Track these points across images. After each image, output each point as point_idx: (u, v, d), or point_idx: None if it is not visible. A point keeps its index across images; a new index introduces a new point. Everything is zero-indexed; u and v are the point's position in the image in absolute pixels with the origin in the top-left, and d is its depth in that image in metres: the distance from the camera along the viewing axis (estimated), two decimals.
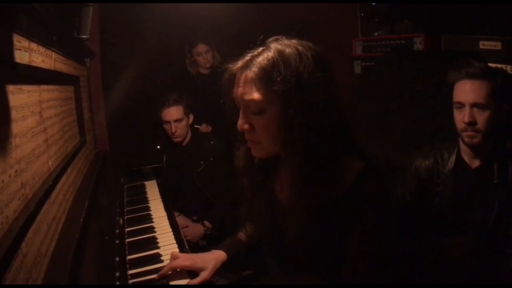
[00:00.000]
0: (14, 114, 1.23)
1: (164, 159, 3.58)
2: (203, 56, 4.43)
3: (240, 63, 1.43)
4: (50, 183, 1.49)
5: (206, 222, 3.33)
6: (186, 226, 3.20)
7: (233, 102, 1.49)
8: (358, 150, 1.51)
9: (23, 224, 1.12)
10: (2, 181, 1.07)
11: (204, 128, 4.26)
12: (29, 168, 1.33)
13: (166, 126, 3.45)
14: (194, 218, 3.41)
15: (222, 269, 1.82)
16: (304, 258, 1.48)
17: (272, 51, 1.37)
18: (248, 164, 1.62)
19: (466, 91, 2.07)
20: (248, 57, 1.42)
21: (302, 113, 1.32)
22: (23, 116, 1.34)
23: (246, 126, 1.43)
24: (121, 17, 4.24)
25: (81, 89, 2.68)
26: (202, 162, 3.50)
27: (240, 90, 1.40)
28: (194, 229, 3.26)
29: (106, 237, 1.82)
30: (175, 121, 3.39)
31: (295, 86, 1.31)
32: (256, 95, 1.36)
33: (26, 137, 1.35)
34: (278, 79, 1.32)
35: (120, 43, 4.37)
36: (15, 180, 1.17)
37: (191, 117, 3.56)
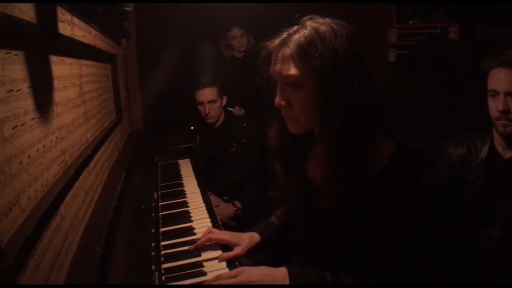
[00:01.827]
0: (56, 83, 1.29)
1: (197, 139, 3.63)
2: (238, 39, 4.46)
3: (277, 41, 1.46)
4: (89, 152, 1.55)
5: (236, 202, 3.38)
6: (217, 205, 3.24)
7: (269, 80, 1.51)
8: (391, 132, 1.52)
9: (63, 188, 1.17)
10: (44, 145, 1.12)
11: (237, 110, 4.29)
12: (69, 136, 1.39)
13: (200, 107, 3.48)
14: (225, 198, 3.46)
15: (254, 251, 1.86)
16: (333, 236, 1.51)
17: (308, 29, 1.39)
18: (281, 142, 1.64)
19: (500, 79, 2.05)
20: (284, 35, 1.44)
21: (339, 88, 1.35)
22: (65, 86, 1.40)
23: (283, 102, 1.44)
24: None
25: (117, 68, 2.74)
26: (234, 144, 3.53)
27: (278, 67, 1.43)
28: (225, 209, 3.31)
29: (142, 206, 1.87)
30: (209, 102, 3.42)
31: (332, 62, 1.34)
32: (294, 71, 1.38)
33: (67, 107, 1.41)
34: (316, 55, 1.34)
35: (154, 26, 4.41)
36: (55, 146, 1.23)
37: (225, 99, 3.59)
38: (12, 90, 0.92)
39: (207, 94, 3.43)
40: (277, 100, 1.45)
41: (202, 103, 3.44)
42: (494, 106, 2.06)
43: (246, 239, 1.81)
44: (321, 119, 1.41)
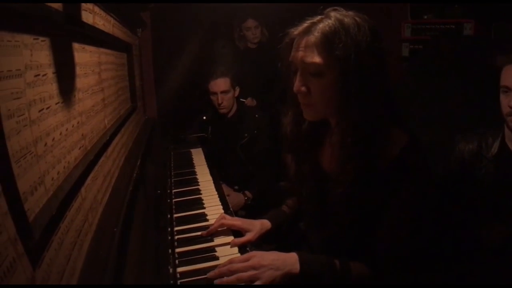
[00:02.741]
0: (78, 70, 1.33)
1: (210, 129, 3.67)
2: (252, 31, 4.49)
3: (300, 28, 1.50)
4: (107, 138, 1.59)
5: (247, 192, 3.41)
6: (228, 195, 3.28)
7: (288, 67, 1.55)
8: (404, 125, 1.56)
9: (83, 171, 1.21)
10: (66, 129, 1.16)
11: (249, 101, 4.32)
12: (89, 122, 1.43)
13: (213, 97, 3.51)
14: (236, 187, 3.50)
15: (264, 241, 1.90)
16: (344, 225, 1.55)
17: (333, 19, 1.43)
18: (296, 130, 1.68)
19: None
20: (308, 23, 1.48)
21: (359, 79, 1.39)
22: (85, 73, 1.44)
23: (303, 89, 1.48)
24: None
25: (133, 57, 2.78)
26: (246, 134, 3.56)
27: (300, 53, 1.46)
28: (236, 198, 3.34)
29: (158, 191, 1.92)
30: (222, 92, 3.46)
31: (354, 53, 1.38)
32: (317, 59, 1.42)
33: (87, 93, 1.45)
34: (339, 45, 1.38)
35: (170, 17, 4.45)
36: (77, 130, 1.27)
37: (237, 89, 3.62)
38: (39, 75, 0.96)
39: (220, 84, 3.46)
40: (297, 86, 1.49)
41: (215, 93, 3.47)
42: (506, 102, 2.08)
43: (258, 225, 1.85)
44: (339, 108, 1.45)
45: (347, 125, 1.44)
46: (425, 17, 4.65)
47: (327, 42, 1.40)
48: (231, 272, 1.49)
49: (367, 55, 1.40)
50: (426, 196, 1.54)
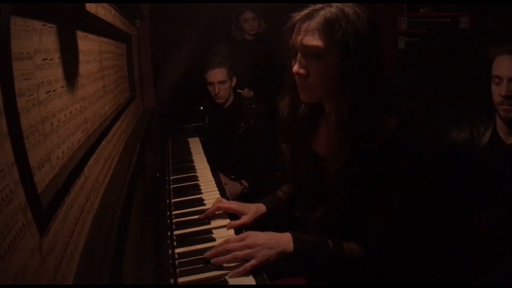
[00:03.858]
0: (81, 57, 1.39)
1: (207, 120, 3.73)
2: (250, 23, 4.54)
3: (302, 13, 1.58)
4: (108, 123, 1.66)
5: (243, 181, 3.48)
6: (225, 184, 3.34)
7: (288, 50, 1.63)
8: (395, 110, 1.64)
9: (86, 152, 1.28)
10: (70, 112, 1.23)
11: (246, 92, 4.37)
12: (90, 107, 1.50)
13: (210, 88, 3.56)
14: (232, 176, 3.56)
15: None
16: (337, 207, 1.62)
17: (334, 7, 1.52)
18: (292, 113, 1.76)
19: (505, 65, 2.13)
20: (309, 10, 1.57)
21: (357, 64, 1.48)
22: (88, 60, 1.51)
23: (302, 71, 1.55)
24: None
25: (132, 48, 2.83)
26: (243, 125, 3.62)
27: (301, 37, 1.54)
28: (232, 187, 3.40)
29: (157, 174, 1.98)
30: (219, 82, 3.51)
31: (353, 39, 1.47)
32: (318, 42, 1.50)
33: (89, 79, 1.52)
34: (340, 31, 1.47)
35: (168, 8, 4.48)
36: (79, 114, 1.33)
37: (234, 80, 3.66)
38: (46, 59, 1.02)
39: (217, 74, 3.51)
40: (296, 68, 1.56)
41: (212, 84, 3.52)
42: (497, 91, 2.14)
43: (253, 208, 1.92)
44: (336, 91, 1.53)
45: (343, 108, 1.52)
46: (422, 10, 4.70)
47: (328, 27, 1.49)
48: (227, 251, 1.56)
49: (365, 41, 1.49)
50: (416, 177, 1.61)
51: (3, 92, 0.72)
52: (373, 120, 1.55)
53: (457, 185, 2.36)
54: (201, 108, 3.78)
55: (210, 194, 2.16)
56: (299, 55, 1.56)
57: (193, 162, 2.67)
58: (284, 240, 1.60)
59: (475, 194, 2.28)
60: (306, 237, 1.65)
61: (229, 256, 1.55)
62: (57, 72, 1.12)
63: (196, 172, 2.48)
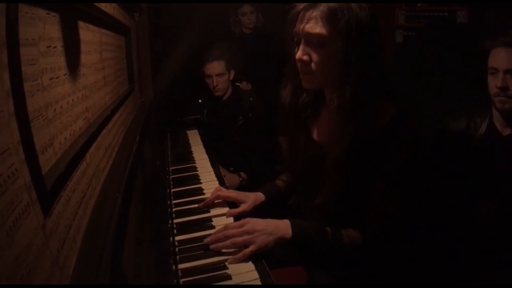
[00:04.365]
0: (83, 46, 1.43)
1: (205, 112, 3.74)
2: (248, 16, 4.54)
3: (307, 3, 1.61)
4: (108, 113, 1.68)
5: (242, 173, 3.50)
6: (223, 176, 3.36)
7: (292, 38, 1.67)
8: (394, 98, 1.68)
9: (87, 139, 1.31)
10: (72, 100, 1.26)
11: (244, 85, 4.37)
12: (92, 96, 1.53)
13: (208, 80, 3.57)
14: (231, 169, 3.58)
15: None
16: (336, 191, 1.64)
17: None
18: (294, 101, 1.80)
19: (501, 57, 2.16)
20: None
21: (358, 52, 1.52)
22: (89, 50, 1.54)
23: (305, 57, 1.59)
24: None
25: (131, 40, 2.86)
26: (241, 117, 3.62)
27: (305, 25, 1.58)
28: (231, 179, 3.42)
29: (158, 162, 2.00)
30: (217, 75, 3.51)
31: (355, 29, 1.51)
32: (321, 30, 1.54)
33: (90, 69, 1.55)
34: (343, 20, 1.51)
35: (166, 3, 4.50)
36: (81, 102, 1.36)
37: (232, 73, 3.67)
38: (50, 46, 1.06)
39: (215, 67, 3.51)
40: (299, 54, 1.60)
41: (210, 76, 3.53)
42: (494, 83, 2.17)
43: (252, 197, 1.95)
44: (337, 78, 1.57)
45: (346, 92, 1.55)
46: (419, 4, 4.72)
47: (332, 16, 1.53)
48: (226, 237, 1.59)
49: (367, 30, 1.53)
50: (415, 163, 1.65)
51: (11, 75, 0.75)
52: (373, 106, 1.59)
53: (454, 176, 2.39)
54: (200, 101, 3.79)
55: (209, 183, 2.19)
56: (302, 42, 1.60)
57: (192, 153, 2.70)
58: (282, 226, 1.63)
59: (472, 185, 2.31)
60: (305, 224, 1.68)
61: (228, 242, 1.58)
62: (60, 60, 1.15)
63: (195, 162, 2.51)
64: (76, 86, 1.31)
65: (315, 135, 1.81)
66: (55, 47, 1.10)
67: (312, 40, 1.57)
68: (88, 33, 1.55)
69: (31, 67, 0.91)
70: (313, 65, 1.59)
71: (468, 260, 2.25)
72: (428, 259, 2.35)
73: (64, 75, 1.18)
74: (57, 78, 1.10)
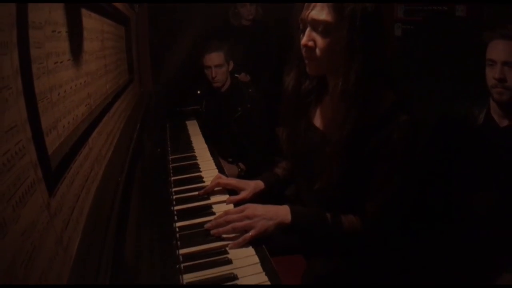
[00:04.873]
0: (85, 33, 1.44)
1: (204, 104, 3.77)
2: (247, 8, 4.55)
3: None
4: (109, 100, 1.70)
5: (240, 164, 3.53)
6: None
7: (298, 25, 1.70)
8: (394, 86, 1.71)
9: (90, 124, 1.33)
10: (75, 85, 1.28)
11: (242, 77, 4.38)
12: (93, 83, 1.55)
13: (207, 71, 3.60)
14: (230, 160, 3.61)
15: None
16: (336, 178, 1.66)
17: None
18: (297, 87, 1.83)
19: (499, 49, 2.19)
20: None
21: (363, 39, 1.54)
22: (91, 38, 1.56)
23: (310, 43, 1.62)
24: None
25: (131, 31, 2.87)
26: (239, 109, 3.64)
27: (312, 12, 1.61)
28: (229, 170, 3.42)
29: (158, 149, 2.02)
30: (216, 66, 3.54)
31: (361, 16, 1.54)
32: (327, 17, 1.57)
33: (92, 56, 1.57)
34: (348, 8, 1.54)
35: None
36: (83, 88, 1.38)
37: (231, 64, 3.69)
38: (55, 31, 1.07)
39: (214, 58, 3.53)
40: (305, 40, 1.63)
41: (209, 67, 3.55)
42: (491, 74, 2.20)
43: (252, 184, 1.97)
44: (341, 64, 1.59)
45: (350, 78, 1.57)
46: None
47: (338, 4, 1.55)
48: (227, 222, 1.61)
49: (371, 20, 1.56)
50: (414, 149, 1.67)
51: (20, 54, 0.77)
52: (375, 92, 1.62)
53: (451, 166, 2.41)
54: (198, 92, 3.81)
55: (209, 172, 2.21)
56: (308, 28, 1.63)
57: (192, 143, 2.72)
58: (282, 211, 1.65)
59: (470, 175, 2.33)
60: (304, 210, 1.71)
61: (228, 227, 1.60)
62: (64, 45, 1.17)
63: (194, 152, 2.53)
64: (78, 72, 1.33)
65: (315, 122, 1.83)
66: (59, 32, 1.12)
67: (317, 27, 1.60)
68: (90, 21, 1.57)
69: (38, 50, 0.93)
70: (318, 51, 1.62)
71: (466, 250, 2.28)
72: (425, 250, 2.37)
73: (68, 60, 1.20)
74: (61, 62, 1.12)
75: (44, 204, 0.87)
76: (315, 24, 1.60)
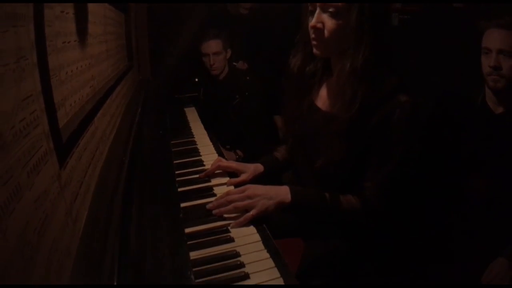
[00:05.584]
0: (90, 17, 1.48)
1: (202, 91, 3.80)
2: None
3: None
4: (112, 83, 1.74)
5: (238, 151, 3.57)
6: None
7: (306, 8, 1.75)
8: (396, 70, 1.75)
9: (95, 105, 1.37)
10: (81, 66, 1.32)
11: (240, 64, 4.39)
12: (97, 65, 1.58)
13: (205, 59, 3.61)
14: (227, 146, 3.64)
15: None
16: (337, 158, 1.69)
17: None
18: (302, 68, 1.87)
19: (494, 38, 2.22)
20: None
21: (371, 22, 1.59)
22: (94, 21, 1.59)
23: (319, 25, 1.66)
24: None
25: (130, 18, 2.90)
26: (237, 96, 3.67)
27: None
28: (227, 157, 3.44)
29: (160, 131, 2.06)
30: (214, 54, 3.55)
31: (369, 2, 1.59)
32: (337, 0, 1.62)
33: (96, 40, 1.60)
34: None
35: None
36: (88, 70, 1.42)
37: (229, 52, 3.70)
38: (63, 11, 1.11)
39: (212, 45, 3.55)
40: (314, 22, 1.67)
41: (207, 55, 3.56)
42: (487, 62, 2.22)
43: (251, 167, 2.01)
44: (349, 46, 1.63)
45: (357, 59, 1.62)
46: None
47: None
48: (228, 202, 1.65)
49: (379, 7, 1.62)
50: (415, 131, 1.71)
51: (35, 28, 0.81)
52: (380, 74, 1.66)
53: (446, 154, 2.45)
54: (196, 79, 3.83)
55: (208, 156, 2.24)
56: (317, 10, 1.67)
57: (191, 129, 2.74)
58: (282, 191, 1.69)
59: (464, 162, 2.36)
60: (304, 189, 1.74)
61: (230, 206, 1.64)
62: (71, 26, 1.21)
63: (194, 137, 2.56)
64: (84, 54, 1.37)
65: (318, 102, 1.87)
66: (67, 12, 1.15)
67: (327, 9, 1.64)
68: (93, 5, 1.60)
69: (48, 28, 0.96)
70: (326, 32, 1.66)
71: (462, 238, 2.32)
72: (422, 228, 2.41)
73: (74, 41, 1.24)
74: (68, 42, 1.16)
75: (55, 175, 0.91)
76: (325, 7, 1.64)
